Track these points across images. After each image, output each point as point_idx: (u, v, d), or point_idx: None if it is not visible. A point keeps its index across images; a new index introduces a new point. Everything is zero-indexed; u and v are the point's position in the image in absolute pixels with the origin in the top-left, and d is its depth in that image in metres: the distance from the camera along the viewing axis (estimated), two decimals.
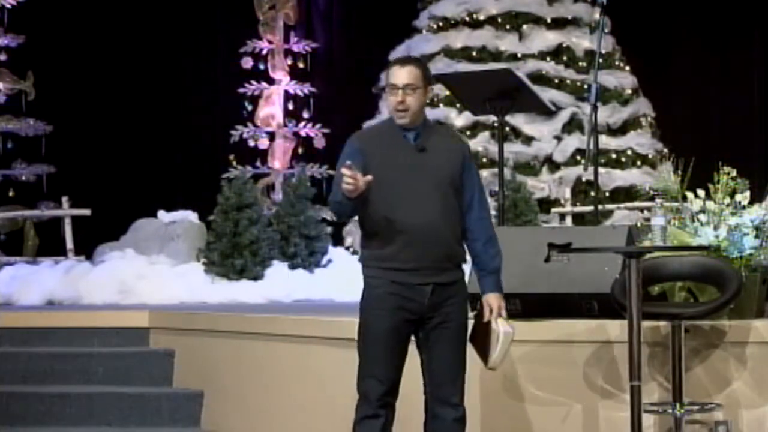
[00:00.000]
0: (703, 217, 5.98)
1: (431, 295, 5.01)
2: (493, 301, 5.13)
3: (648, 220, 7.11)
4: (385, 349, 5.00)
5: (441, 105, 15.30)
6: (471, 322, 5.21)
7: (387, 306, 5.00)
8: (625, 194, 14.99)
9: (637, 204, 13.96)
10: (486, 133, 15.04)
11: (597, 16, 14.45)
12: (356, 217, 5.13)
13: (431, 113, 13.42)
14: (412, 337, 5.13)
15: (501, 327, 5.10)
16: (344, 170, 4.81)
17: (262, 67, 17.04)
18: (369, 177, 4.85)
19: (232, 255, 10.62)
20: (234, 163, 14.91)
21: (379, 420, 5.01)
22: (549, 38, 16.17)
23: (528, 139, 15.59)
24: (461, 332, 5.11)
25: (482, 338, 5.15)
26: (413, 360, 5.13)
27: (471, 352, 5.15)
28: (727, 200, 6.00)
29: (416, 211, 4.97)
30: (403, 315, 5.02)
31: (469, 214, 5.11)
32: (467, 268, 5.23)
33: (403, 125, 5.05)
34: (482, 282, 5.17)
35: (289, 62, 17.20)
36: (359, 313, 5.11)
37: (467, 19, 16.33)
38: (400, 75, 5.01)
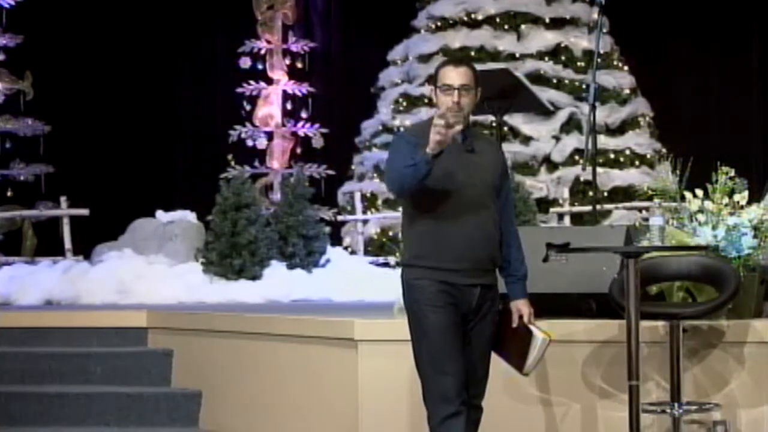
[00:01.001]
0: (701, 217, 5.98)
1: (477, 297, 4.98)
2: (523, 307, 5.12)
3: (646, 219, 7.12)
4: (452, 344, 4.89)
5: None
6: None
7: (441, 302, 4.91)
8: (623, 194, 14.99)
9: (635, 204, 13.97)
10: (484, 133, 15.04)
11: (595, 15, 14.44)
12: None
13: (430, 113, 13.40)
14: None
15: (539, 334, 5.08)
16: (437, 119, 4.71)
17: (260, 66, 17.06)
18: (457, 128, 4.77)
19: (231, 255, 10.60)
20: (232, 162, 14.89)
21: (461, 417, 4.86)
22: (547, 38, 16.19)
23: (526, 139, 15.60)
24: (492, 335, 5.08)
25: (512, 344, 5.11)
26: None
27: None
28: (726, 200, 6.00)
29: (469, 212, 4.94)
30: (456, 311, 4.95)
31: (504, 218, 5.11)
32: None
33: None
34: (512, 288, 5.15)
35: (288, 62, 17.21)
36: (411, 317, 4.99)
37: (465, 18, 16.34)
38: (456, 76, 4.97)
